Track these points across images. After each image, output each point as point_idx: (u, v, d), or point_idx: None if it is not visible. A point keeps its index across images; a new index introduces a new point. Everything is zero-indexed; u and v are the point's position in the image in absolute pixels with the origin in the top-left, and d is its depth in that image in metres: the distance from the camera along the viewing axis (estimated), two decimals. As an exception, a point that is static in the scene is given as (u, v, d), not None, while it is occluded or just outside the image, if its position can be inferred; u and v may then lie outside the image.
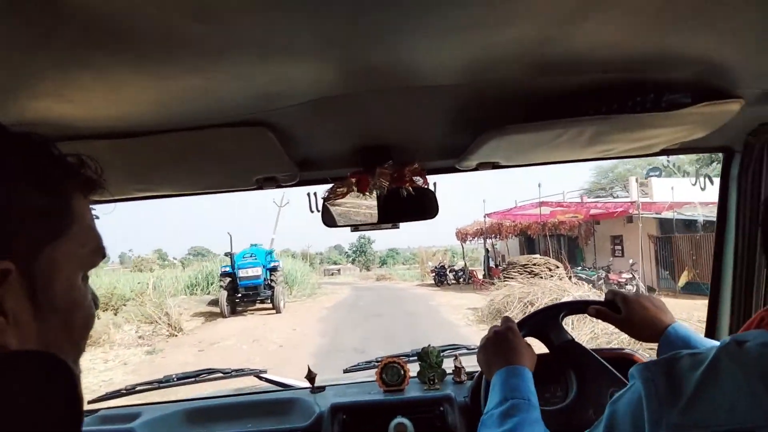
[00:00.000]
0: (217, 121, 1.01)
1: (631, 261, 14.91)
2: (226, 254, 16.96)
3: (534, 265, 15.75)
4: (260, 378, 1.99)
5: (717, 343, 0.97)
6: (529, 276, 14.21)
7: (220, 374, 1.98)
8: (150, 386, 2.02)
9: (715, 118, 1.07)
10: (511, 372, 1.02)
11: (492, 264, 22.31)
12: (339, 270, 51.81)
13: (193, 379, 1.98)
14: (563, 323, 1.30)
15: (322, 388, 1.78)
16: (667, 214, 15.06)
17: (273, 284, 15.58)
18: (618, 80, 0.99)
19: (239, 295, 15.14)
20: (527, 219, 19.21)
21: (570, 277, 14.16)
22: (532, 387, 0.98)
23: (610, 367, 1.28)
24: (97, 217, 1.76)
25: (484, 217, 20.75)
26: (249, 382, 2.15)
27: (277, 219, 28.69)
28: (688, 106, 1.01)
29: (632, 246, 16.15)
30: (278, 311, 15.31)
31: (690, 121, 1.07)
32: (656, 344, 1.10)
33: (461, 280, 22.92)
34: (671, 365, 0.64)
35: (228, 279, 15.25)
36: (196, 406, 1.73)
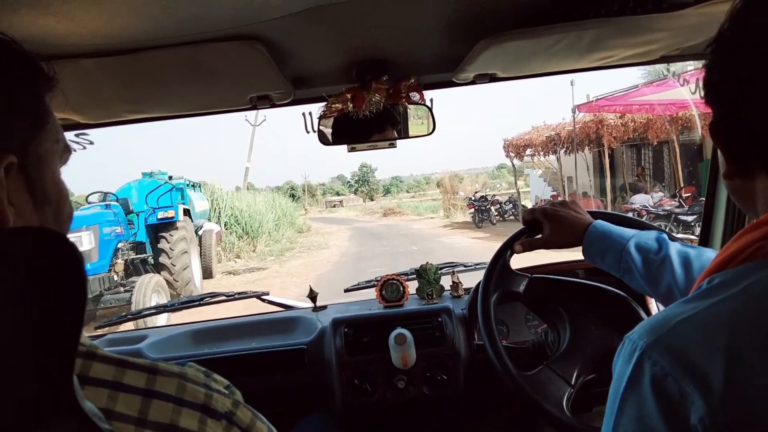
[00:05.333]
0: (206, 36, 0.98)
1: None
2: None
3: None
4: (263, 300, 2.04)
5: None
6: None
7: (224, 297, 2.03)
8: (155, 311, 2.09)
9: (717, 19, 1.03)
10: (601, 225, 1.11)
11: (550, 192, 15.44)
12: (341, 201, 51.78)
13: (197, 303, 2.03)
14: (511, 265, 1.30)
15: (324, 307, 1.84)
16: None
17: (150, 266, 8.16)
18: None
19: None
20: (647, 110, 10.93)
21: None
22: None
23: (578, 280, 1.31)
24: (92, 143, 1.72)
25: (573, 110, 11.84)
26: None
27: (252, 142, 24.61)
28: (689, 6, 0.98)
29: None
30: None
31: (691, 23, 1.04)
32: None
33: (509, 216, 16.71)
34: (672, 341, 0.49)
35: None
36: (201, 328, 1.79)
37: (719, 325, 0.47)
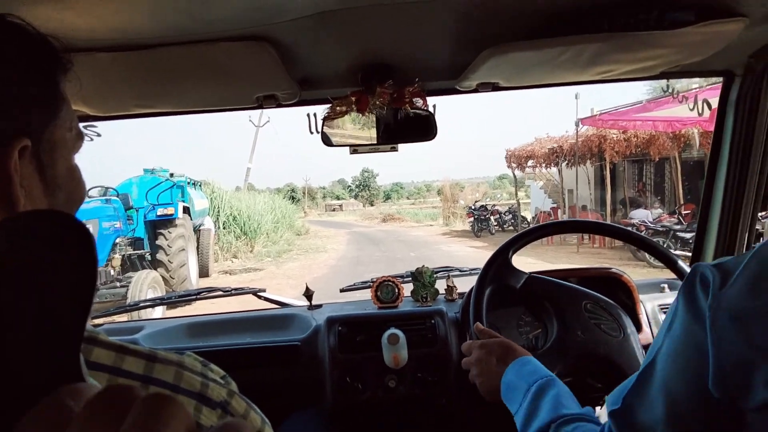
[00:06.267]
0: (217, 35, 1.01)
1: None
2: None
3: None
4: (259, 297, 2.05)
5: None
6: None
7: (220, 292, 2.05)
8: (152, 302, 2.11)
9: (717, 38, 1.07)
10: (522, 362, 1.03)
11: (550, 203, 15.98)
12: (341, 206, 51.66)
13: (194, 297, 2.06)
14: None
15: (319, 306, 1.86)
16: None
17: (147, 262, 8.13)
18: None
19: None
20: (650, 126, 10.45)
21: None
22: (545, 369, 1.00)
23: (574, 285, 1.34)
24: (99, 135, 1.73)
25: (576, 123, 11.67)
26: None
27: (255, 143, 24.85)
28: (691, 24, 1.01)
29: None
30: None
31: (692, 41, 1.07)
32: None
33: (508, 226, 16.72)
34: (716, 265, 0.62)
35: None
36: (197, 321, 1.81)
37: (755, 254, 0.60)
